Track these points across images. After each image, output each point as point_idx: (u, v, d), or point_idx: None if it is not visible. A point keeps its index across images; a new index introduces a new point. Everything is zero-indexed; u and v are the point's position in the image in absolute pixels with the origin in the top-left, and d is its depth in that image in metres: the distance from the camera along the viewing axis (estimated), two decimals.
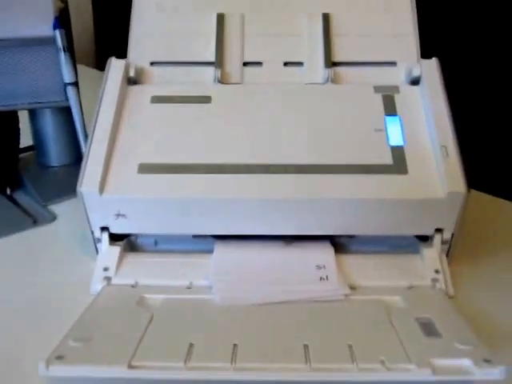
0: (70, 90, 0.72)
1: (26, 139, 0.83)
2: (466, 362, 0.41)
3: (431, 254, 0.57)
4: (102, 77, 0.63)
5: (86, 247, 0.61)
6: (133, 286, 0.54)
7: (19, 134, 0.80)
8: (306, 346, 0.43)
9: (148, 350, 0.43)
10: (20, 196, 0.77)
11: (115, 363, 0.41)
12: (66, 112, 0.77)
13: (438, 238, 0.57)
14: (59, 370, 0.41)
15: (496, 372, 0.40)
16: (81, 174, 0.56)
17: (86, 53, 0.74)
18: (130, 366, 0.41)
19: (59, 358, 0.41)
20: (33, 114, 0.80)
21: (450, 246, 0.58)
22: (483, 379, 0.40)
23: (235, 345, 0.43)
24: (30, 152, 0.86)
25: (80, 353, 0.42)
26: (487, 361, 0.41)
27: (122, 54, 0.66)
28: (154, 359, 0.42)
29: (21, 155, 0.84)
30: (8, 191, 0.77)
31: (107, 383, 0.43)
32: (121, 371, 0.41)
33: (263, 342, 0.44)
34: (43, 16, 0.69)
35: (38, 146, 0.83)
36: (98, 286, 0.55)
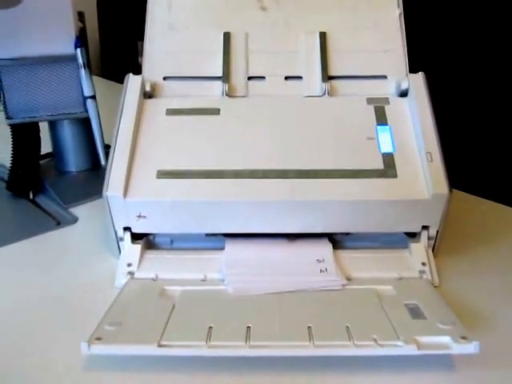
0: (90, 103, 0.78)
1: (44, 147, 0.88)
2: (445, 339, 0.47)
3: (418, 249, 0.63)
4: (107, 84, 0.69)
5: (107, 245, 0.67)
6: (153, 280, 0.60)
7: (40, 142, 0.85)
8: (309, 328, 0.49)
9: (173, 332, 0.49)
10: (42, 200, 0.83)
11: (146, 343, 0.48)
12: (82, 122, 0.84)
13: (424, 234, 0.63)
14: (99, 349, 0.47)
15: (471, 347, 0.46)
16: (106, 180, 0.61)
17: (92, 61, 0.80)
18: (160, 345, 0.47)
19: (98, 339, 0.48)
20: (52, 124, 0.86)
21: (435, 241, 0.63)
22: (460, 353, 0.47)
23: (248, 327, 0.50)
24: (49, 159, 0.91)
25: (115, 335, 0.49)
26: (464, 338, 0.47)
27: (124, 62, 0.72)
28: (179, 340, 0.48)
29: (40, 162, 0.89)
30: (31, 195, 0.83)
31: (139, 360, 0.50)
32: (152, 349, 0.47)
33: (272, 325, 0.50)
34: (65, 36, 0.75)
35: (57, 153, 0.88)
36: (122, 279, 0.61)
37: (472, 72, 0.94)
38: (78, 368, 0.50)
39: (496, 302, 0.58)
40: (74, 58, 0.76)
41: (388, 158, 0.63)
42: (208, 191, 0.61)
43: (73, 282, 0.63)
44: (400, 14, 0.72)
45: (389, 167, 0.62)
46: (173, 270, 0.62)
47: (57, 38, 0.75)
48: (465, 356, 0.47)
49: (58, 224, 0.76)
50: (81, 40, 0.76)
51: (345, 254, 0.63)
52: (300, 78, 0.71)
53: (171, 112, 0.68)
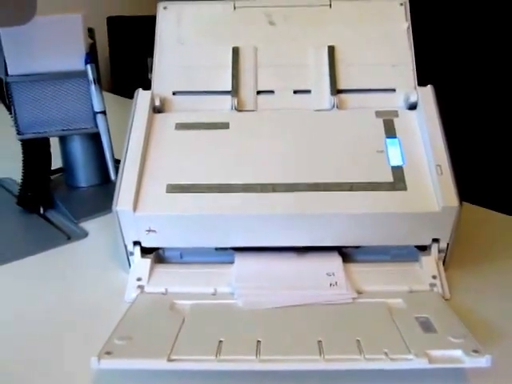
0: (100, 118, 0.79)
1: (55, 162, 0.88)
2: (457, 353, 0.47)
3: (429, 262, 0.62)
4: (117, 100, 0.69)
5: (117, 260, 0.67)
6: (163, 294, 0.60)
7: (50, 157, 0.86)
8: (319, 342, 0.49)
9: (183, 346, 0.49)
10: (52, 215, 0.83)
11: (156, 357, 0.47)
12: (92, 137, 0.84)
13: (435, 247, 0.62)
14: (109, 364, 0.47)
15: (483, 360, 0.45)
16: (116, 195, 0.61)
17: (102, 77, 0.81)
18: (169, 360, 0.47)
19: (108, 353, 0.48)
20: (63, 139, 0.86)
21: (446, 254, 0.63)
22: (472, 366, 0.46)
23: (259, 341, 0.49)
24: (59, 174, 0.92)
25: (125, 349, 0.49)
26: (476, 351, 0.46)
27: (134, 77, 0.72)
28: (189, 354, 0.48)
29: (51, 177, 0.90)
30: (41, 210, 0.83)
31: (148, 374, 0.49)
32: (161, 364, 0.47)
33: (283, 339, 0.50)
34: (76, 52, 0.76)
35: (68, 168, 0.89)
36: (132, 294, 0.61)
37: (481, 84, 0.94)
38: (89, 382, 0.50)
39: (508, 316, 0.58)
40: (84, 73, 0.77)
41: (397, 171, 0.62)
42: (217, 205, 0.61)
43: (83, 297, 0.63)
44: (408, 27, 0.73)
45: (398, 180, 0.62)
46: (183, 284, 0.62)
47: (67, 54, 0.76)
48: (478, 370, 0.47)
49: (69, 238, 0.76)
50: (91, 56, 0.77)
51: (355, 268, 0.63)
52: (309, 91, 0.72)
53: (180, 126, 0.68)
